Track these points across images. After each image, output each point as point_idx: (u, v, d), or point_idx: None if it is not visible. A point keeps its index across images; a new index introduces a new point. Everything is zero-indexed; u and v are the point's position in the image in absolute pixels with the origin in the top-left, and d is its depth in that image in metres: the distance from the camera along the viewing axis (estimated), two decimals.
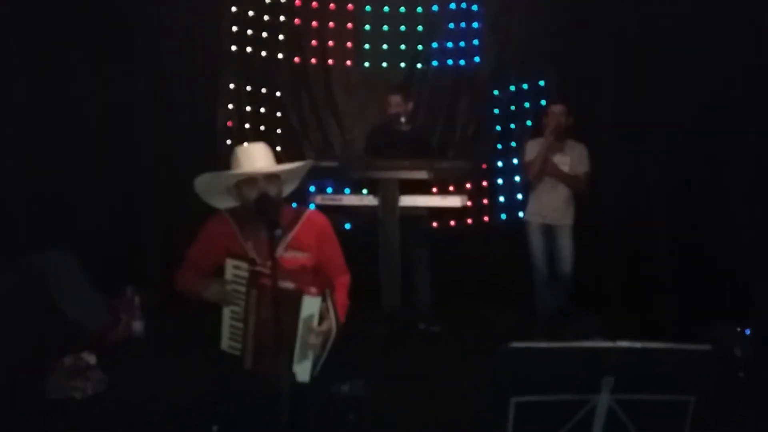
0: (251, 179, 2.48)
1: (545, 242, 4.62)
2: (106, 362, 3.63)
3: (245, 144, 2.63)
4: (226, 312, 2.48)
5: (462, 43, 5.80)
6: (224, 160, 2.69)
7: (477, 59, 5.77)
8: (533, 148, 4.61)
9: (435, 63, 5.80)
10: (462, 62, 5.79)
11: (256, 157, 2.52)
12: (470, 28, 5.80)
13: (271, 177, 2.50)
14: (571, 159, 4.57)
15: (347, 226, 5.07)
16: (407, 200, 4.50)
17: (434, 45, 5.78)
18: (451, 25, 5.80)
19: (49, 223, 4.42)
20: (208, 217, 2.65)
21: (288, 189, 2.68)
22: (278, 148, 5.10)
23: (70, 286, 4.08)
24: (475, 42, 5.78)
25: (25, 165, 4.33)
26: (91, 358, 3.54)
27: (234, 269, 2.44)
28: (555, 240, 4.60)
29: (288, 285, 2.35)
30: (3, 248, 3.87)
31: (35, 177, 4.42)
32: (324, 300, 2.42)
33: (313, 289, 2.39)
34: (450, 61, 5.79)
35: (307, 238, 2.58)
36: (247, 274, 2.40)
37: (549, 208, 4.58)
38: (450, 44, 5.79)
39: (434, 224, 5.27)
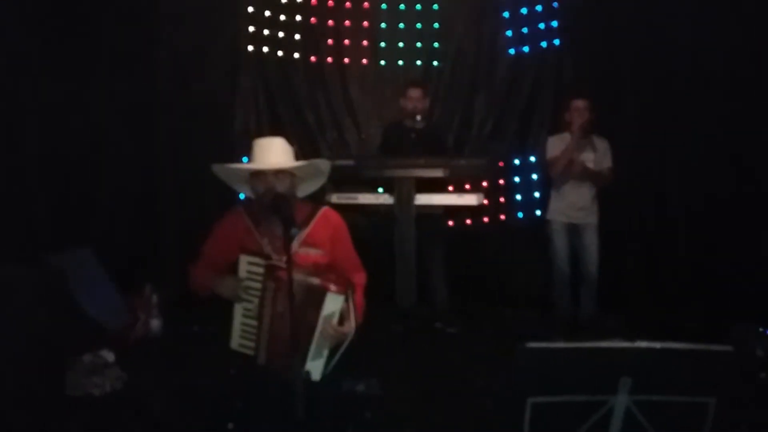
0: (261, 173, 2.48)
1: (568, 242, 4.53)
2: (124, 360, 3.67)
3: (265, 138, 2.63)
4: (238, 310, 2.46)
5: None
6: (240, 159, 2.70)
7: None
8: (555, 145, 4.53)
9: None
10: None
11: (270, 152, 2.52)
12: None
13: (282, 173, 2.50)
14: (596, 155, 4.50)
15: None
16: (423, 198, 4.48)
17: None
18: None
19: (70, 223, 4.47)
20: (224, 213, 2.66)
21: (309, 188, 2.68)
22: (294, 147, 5.11)
23: (91, 285, 4.12)
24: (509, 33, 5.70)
25: (45, 165, 4.38)
26: (109, 356, 3.59)
27: (248, 265, 2.43)
28: (580, 239, 4.49)
29: (313, 280, 2.35)
30: (24, 248, 3.92)
31: (56, 177, 4.47)
32: (346, 300, 2.41)
33: (335, 287, 2.38)
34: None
35: (321, 235, 2.58)
36: (262, 269, 2.39)
37: (575, 207, 4.48)
38: None
39: (450, 223, 5.25)
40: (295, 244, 2.46)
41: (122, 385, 3.50)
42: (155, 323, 4.41)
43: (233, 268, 2.48)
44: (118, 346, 3.78)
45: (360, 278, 2.69)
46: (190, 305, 4.18)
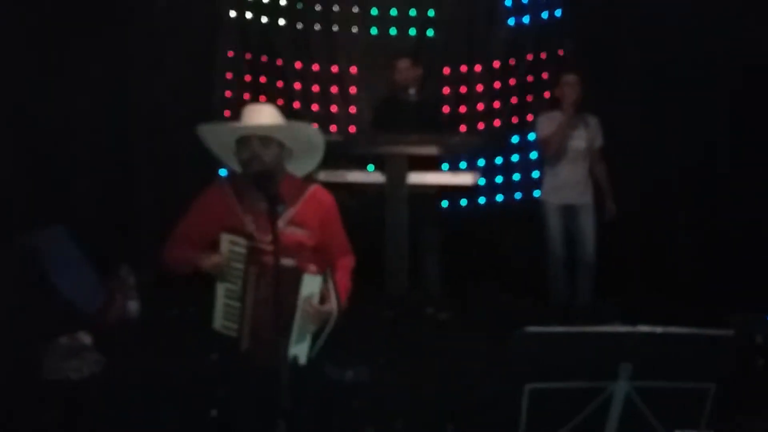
0: (246, 140, 2.45)
1: (563, 223, 4.55)
2: (102, 343, 3.69)
3: (256, 104, 2.61)
4: (220, 290, 2.46)
5: None
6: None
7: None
8: (545, 124, 4.54)
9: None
10: None
11: (258, 116, 2.49)
12: None
13: (270, 141, 2.47)
14: (588, 133, 4.53)
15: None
16: (416, 177, 4.49)
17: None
18: None
19: (44, 202, 4.46)
20: (204, 188, 2.63)
21: (304, 167, 2.66)
22: None
23: (66, 265, 4.12)
24: None
25: (17, 142, 4.35)
26: (86, 339, 3.61)
27: (230, 245, 2.42)
28: (575, 221, 4.51)
29: (288, 262, 2.35)
30: None
31: (28, 154, 4.45)
32: (325, 280, 2.44)
33: (313, 268, 2.40)
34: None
35: (309, 215, 2.56)
36: (245, 250, 2.39)
37: (568, 186, 4.50)
38: None
39: (444, 203, 5.27)
40: (281, 223, 2.43)
41: (100, 369, 3.53)
42: (132, 305, 4.42)
43: (212, 247, 2.46)
44: (95, 328, 3.80)
45: (348, 262, 2.71)
46: (167, 287, 4.22)
